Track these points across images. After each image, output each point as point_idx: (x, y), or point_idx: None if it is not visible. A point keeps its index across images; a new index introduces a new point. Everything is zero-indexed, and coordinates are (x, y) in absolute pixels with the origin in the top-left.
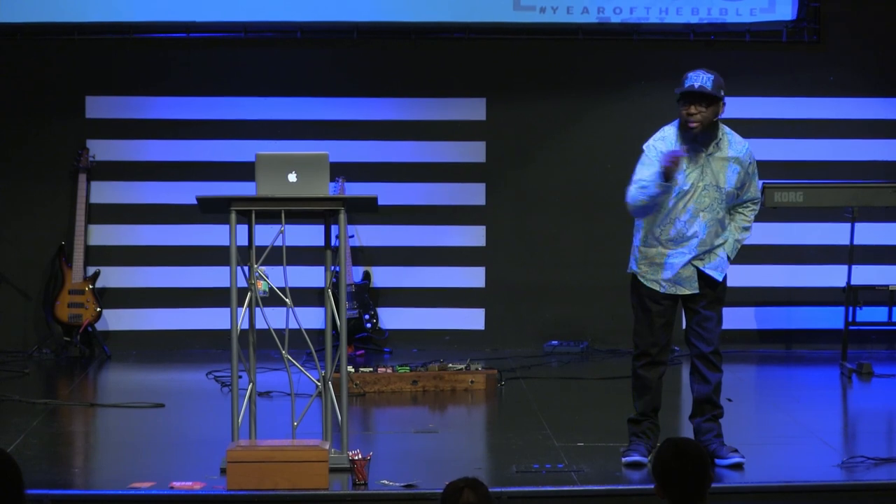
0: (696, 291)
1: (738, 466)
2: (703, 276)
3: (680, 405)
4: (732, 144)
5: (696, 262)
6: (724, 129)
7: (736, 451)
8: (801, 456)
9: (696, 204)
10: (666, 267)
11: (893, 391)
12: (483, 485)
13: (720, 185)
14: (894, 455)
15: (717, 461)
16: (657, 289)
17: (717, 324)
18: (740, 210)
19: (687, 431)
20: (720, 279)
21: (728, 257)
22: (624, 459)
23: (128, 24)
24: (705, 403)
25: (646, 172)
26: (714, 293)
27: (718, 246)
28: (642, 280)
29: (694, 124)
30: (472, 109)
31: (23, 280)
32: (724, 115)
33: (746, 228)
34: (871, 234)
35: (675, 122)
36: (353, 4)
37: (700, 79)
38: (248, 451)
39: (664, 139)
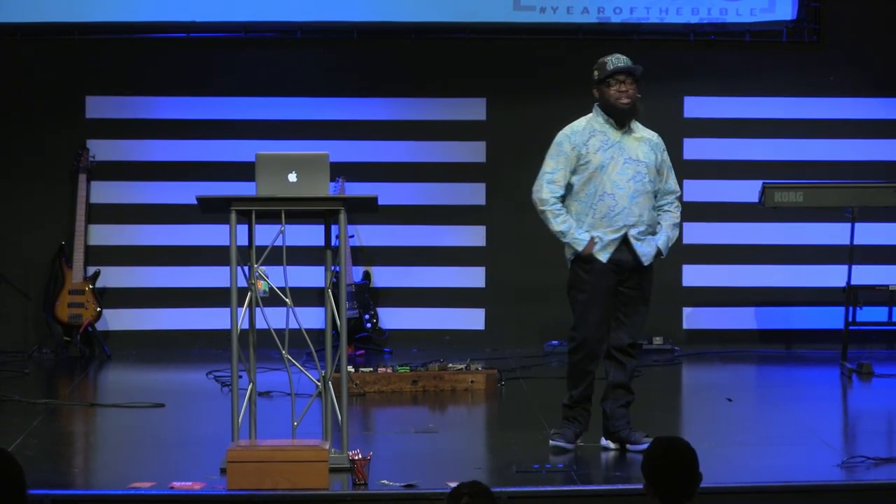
0: (633, 267)
1: None
2: (636, 258)
3: (680, 405)
4: (644, 131)
5: (632, 240)
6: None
7: (648, 436)
8: (801, 456)
9: (620, 175)
10: (605, 246)
11: (893, 391)
12: (486, 495)
13: (640, 159)
14: (894, 455)
15: (629, 447)
16: (601, 259)
17: (643, 318)
18: (666, 208)
19: (685, 432)
20: (646, 263)
21: (662, 252)
22: (550, 443)
23: (128, 24)
24: (619, 388)
25: (560, 175)
26: (643, 285)
27: (650, 232)
28: (582, 264)
29: (627, 100)
30: (473, 109)
31: (23, 280)
32: (726, 115)
33: (676, 225)
34: (871, 234)
35: (589, 115)
36: (352, 4)
37: (626, 59)
38: (248, 451)
39: (577, 129)
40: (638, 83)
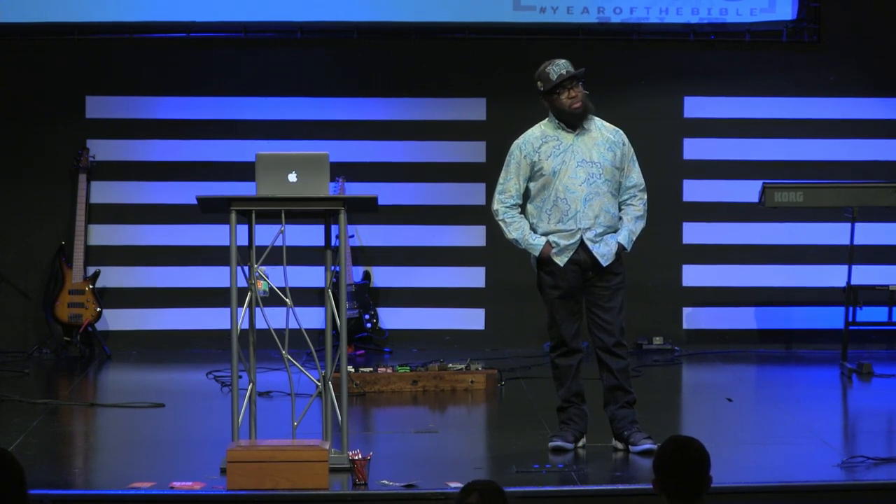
0: (594, 266)
1: (650, 453)
2: (595, 260)
3: (680, 405)
4: (602, 128)
5: (588, 242)
6: (592, 116)
7: (649, 437)
8: (801, 456)
9: (572, 179)
10: (562, 250)
11: (893, 391)
12: (497, 493)
13: (594, 160)
14: (894, 455)
15: (630, 448)
16: (559, 263)
17: (617, 314)
18: (629, 201)
19: (685, 432)
20: (605, 265)
21: (624, 247)
22: (550, 444)
23: (128, 24)
24: (616, 391)
25: (510, 185)
26: (611, 279)
27: (609, 231)
28: (543, 266)
29: (578, 104)
30: (473, 109)
31: (23, 280)
32: (726, 115)
33: (640, 217)
34: (871, 234)
35: (543, 121)
36: (353, 4)
37: (566, 63)
38: (248, 451)
39: (528, 139)
40: (583, 82)
